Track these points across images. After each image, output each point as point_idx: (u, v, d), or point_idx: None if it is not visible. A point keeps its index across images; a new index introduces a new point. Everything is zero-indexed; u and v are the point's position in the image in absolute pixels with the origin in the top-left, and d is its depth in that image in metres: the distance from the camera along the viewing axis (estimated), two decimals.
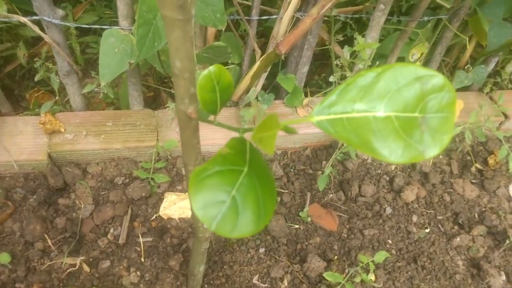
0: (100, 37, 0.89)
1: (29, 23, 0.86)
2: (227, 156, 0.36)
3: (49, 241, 0.93)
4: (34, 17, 0.86)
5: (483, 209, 1.17)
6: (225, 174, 0.35)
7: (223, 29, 0.86)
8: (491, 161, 1.25)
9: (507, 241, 1.09)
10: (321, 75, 1.48)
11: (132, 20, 0.91)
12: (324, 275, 0.94)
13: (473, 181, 1.24)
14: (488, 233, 1.13)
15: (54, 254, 0.92)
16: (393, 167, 1.22)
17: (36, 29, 0.88)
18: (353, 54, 1.05)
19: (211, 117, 0.49)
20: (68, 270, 0.90)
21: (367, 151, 0.37)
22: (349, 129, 0.37)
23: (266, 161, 1.10)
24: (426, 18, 1.11)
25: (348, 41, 1.28)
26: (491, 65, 1.30)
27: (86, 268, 0.91)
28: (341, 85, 0.38)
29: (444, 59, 1.31)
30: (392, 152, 0.37)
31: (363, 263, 0.93)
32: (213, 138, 1.10)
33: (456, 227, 1.13)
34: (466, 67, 1.24)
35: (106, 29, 0.89)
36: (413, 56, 1.06)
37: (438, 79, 0.38)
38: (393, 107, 0.37)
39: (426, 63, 1.27)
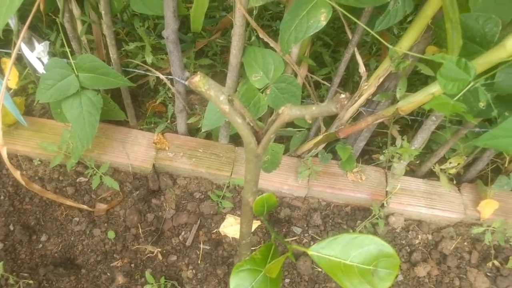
0: None
1: (165, 79, 1.21)
2: (256, 259, 0.65)
3: (140, 229, 1.30)
4: (169, 76, 1.21)
5: None
6: (251, 271, 0.64)
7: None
8: (511, 261, 1.39)
9: None
10: (383, 139, 1.69)
11: (234, 90, 1.21)
12: None
13: (488, 274, 1.39)
14: None
15: (141, 240, 1.29)
16: (417, 241, 1.42)
17: (168, 83, 1.23)
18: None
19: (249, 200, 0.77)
20: (148, 255, 1.26)
21: (337, 281, 0.64)
22: (327, 265, 0.64)
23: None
24: (477, 130, 1.27)
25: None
26: None
27: (160, 256, 1.27)
28: (331, 237, 0.64)
29: (494, 160, 1.46)
30: (351, 285, 0.63)
31: None
32: (272, 180, 1.39)
33: None
34: (510, 173, 1.38)
35: None
36: (450, 163, 1.24)
37: (389, 249, 0.63)
38: (357, 260, 0.63)
39: (475, 160, 1.42)
